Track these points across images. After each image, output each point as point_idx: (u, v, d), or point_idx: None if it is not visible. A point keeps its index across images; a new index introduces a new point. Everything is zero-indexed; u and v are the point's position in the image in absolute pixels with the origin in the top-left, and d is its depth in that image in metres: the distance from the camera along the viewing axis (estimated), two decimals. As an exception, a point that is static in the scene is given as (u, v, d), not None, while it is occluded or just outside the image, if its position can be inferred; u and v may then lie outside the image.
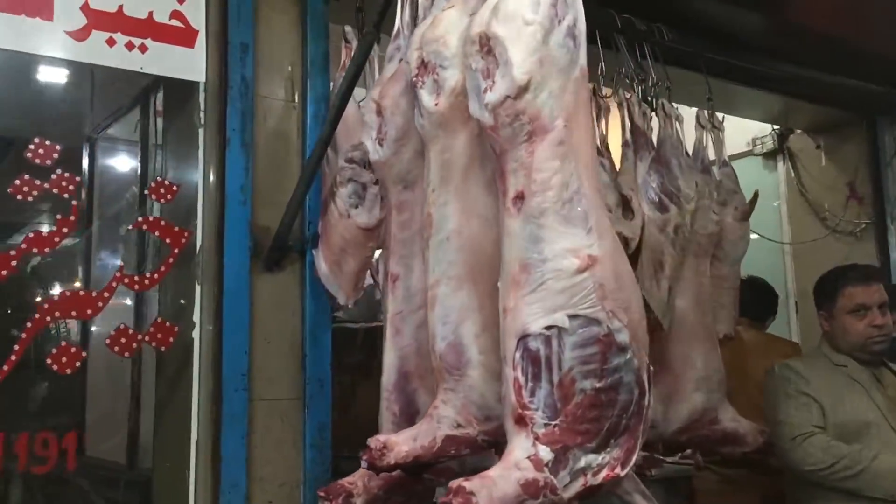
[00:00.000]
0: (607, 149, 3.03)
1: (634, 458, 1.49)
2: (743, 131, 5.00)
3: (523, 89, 1.46)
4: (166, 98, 2.56)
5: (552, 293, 1.40)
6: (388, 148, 1.76)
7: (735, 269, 3.27)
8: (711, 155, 3.32)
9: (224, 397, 2.31)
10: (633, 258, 2.88)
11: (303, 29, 2.58)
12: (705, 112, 3.36)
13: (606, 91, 3.04)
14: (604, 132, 3.04)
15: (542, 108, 1.47)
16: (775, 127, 4.89)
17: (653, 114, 3.18)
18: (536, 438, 1.34)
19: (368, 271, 2.47)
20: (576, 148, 1.48)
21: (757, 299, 3.91)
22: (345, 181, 2.36)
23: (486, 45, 1.47)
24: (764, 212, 4.93)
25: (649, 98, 3.16)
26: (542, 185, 1.45)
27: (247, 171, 2.42)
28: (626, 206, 2.88)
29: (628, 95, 3.06)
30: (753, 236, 4.53)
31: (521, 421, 1.35)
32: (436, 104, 1.56)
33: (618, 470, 1.45)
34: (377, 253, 2.48)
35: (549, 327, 1.40)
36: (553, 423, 1.35)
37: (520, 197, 1.45)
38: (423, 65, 1.56)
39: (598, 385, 1.42)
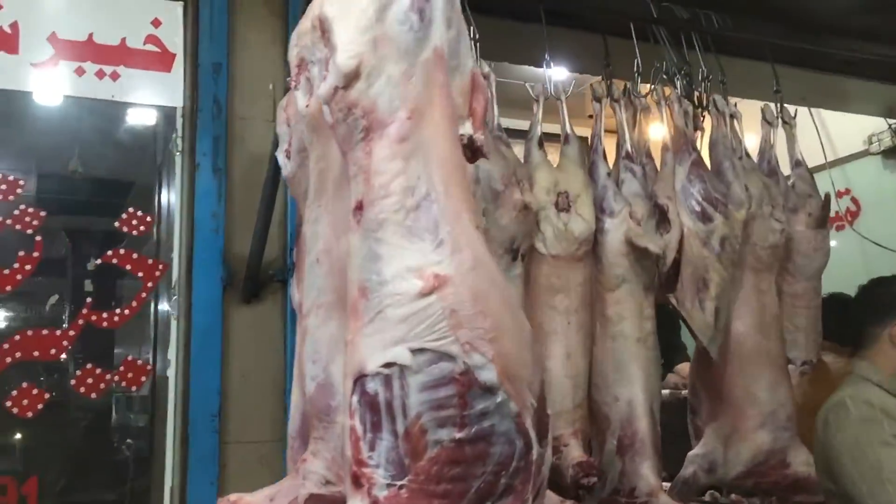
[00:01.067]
0: (648, 154, 2.68)
1: (523, 527, 1.19)
2: (857, 128, 4.42)
3: (352, 76, 1.21)
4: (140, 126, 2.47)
5: (392, 323, 1.12)
6: (293, 161, 1.56)
7: (813, 285, 2.81)
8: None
9: (191, 440, 2.15)
10: (674, 277, 2.52)
11: (284, 46, 2.43)
12: (773, 106, 2.93)
13: (643, 89, 2.69)
14: (639, 135, 2.69)
15: (377, 99, 1.21)
16: (892, 121, 4.29)
17: (705, 112, 2.80)
18: (375, 503, 1.07)
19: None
20: (426, 144, 1.20)
21: (842, 320, 3.36)
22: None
23: (322, 29, 1.23)
24: (884, 217, 4.34)
25: (699, 94, 2.78)
26: (380, 192, 1.18)
27: (219, 197, 2.27)
28: (662, 218, 2.52)
29: (668, 93, 2.70)
30: (871, 246, 3.98)
31: (357, 481, 1.09)
32: (306, 105, 1.34)
33: (497, 544, 1.16)
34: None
35: (388, 365, 1.12)
36: (399, 483, 1.08)
37: (359, 207, 1.19)
38: (300, 63, 1.35)
39: (457, 435, 1.13)
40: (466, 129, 1.38)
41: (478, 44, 2.44)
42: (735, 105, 2.85)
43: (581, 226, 2.39)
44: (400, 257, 1.15)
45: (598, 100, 2.62)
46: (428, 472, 1.09)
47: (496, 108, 2.47)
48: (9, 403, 2.10)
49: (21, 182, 2.18)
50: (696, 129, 2.78)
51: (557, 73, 2.75)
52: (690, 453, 2.62)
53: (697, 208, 2.52)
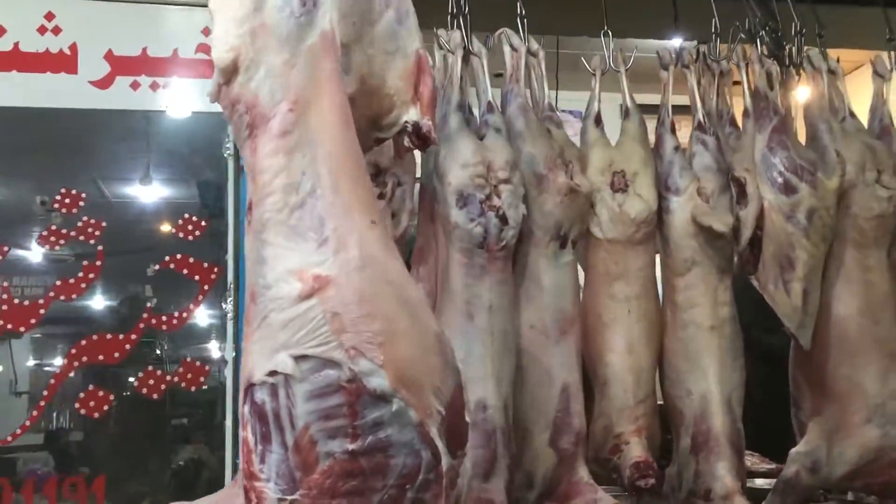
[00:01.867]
0: (733, 123, 2.44)
1: (438, 546, 1.07)
2: None
3: (230, 71, 1.14)
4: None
5: (275, 329, 1.05)
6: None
7: (934, 259, 2.44)
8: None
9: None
10: (755, 257, 2.27)
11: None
12: (885, 56, 2.57)
13: (722, 49, 2.45)
14: (722, 103, 2.45)
15: (258, 92, 1.13)
16: None
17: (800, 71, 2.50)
18: (266, 518, 1.01)
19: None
20: (312, 136, 1.10)
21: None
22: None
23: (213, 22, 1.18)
24: None
25: (790, 50, 2.49)
26: (264, 191, 1.10)
27: (264, 199, 2.29)
28: (741, 192, 2.28)
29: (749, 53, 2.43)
30: None
31: (248, 495, 1.03)
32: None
33: (413, 563, 1.05)
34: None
35: (272, 373, 1.05)
36: (290, 497, 1.01)
37: (249, 208, 1.13)
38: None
39: (350, 447, 1.03)
40: (411, 115, 1.29)
41: (524, 20, 2.32)
42: (837, 60, 2.53)
43: (638, 206, 2.21)
44: (283, 259, 1.08)
45: (665, 67, 2.40)
46: (321, 485, 1.02)
47: (545, 87, 2.33)
48: (77, 405, 2.21)
49: (83, 195, 2.29)
50: (787, 90, 2.50)
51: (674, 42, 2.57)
52: (793, 451, 2.36)
53: (779, 179, 2.25)
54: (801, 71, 2.50)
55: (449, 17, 2.25)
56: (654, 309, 2.24)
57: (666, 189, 2.26)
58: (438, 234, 2.13)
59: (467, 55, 2.24)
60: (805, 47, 2.49)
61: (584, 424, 2.11)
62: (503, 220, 2.05)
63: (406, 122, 1.26)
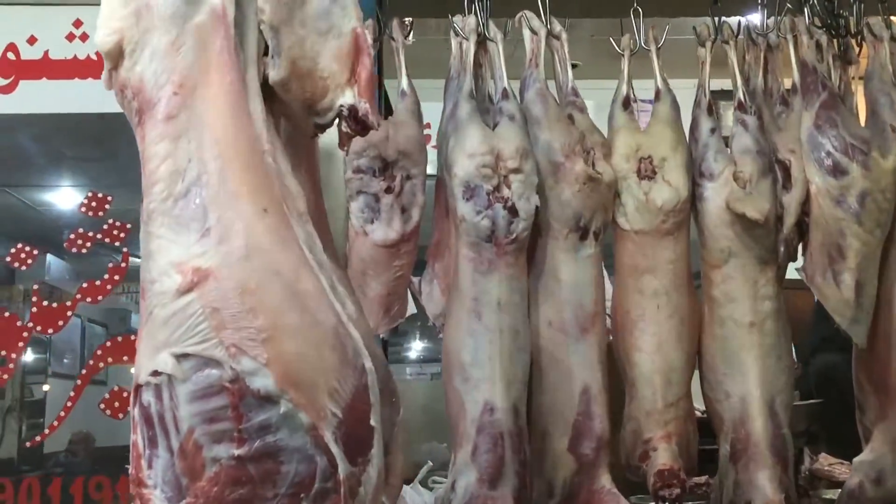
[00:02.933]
0: (784, 101, 2.23)
1: (337, 559, 0.97)
2: None
3: (115, 55, 1.07)
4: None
5: (158, 325, 0.97)
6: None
7: None
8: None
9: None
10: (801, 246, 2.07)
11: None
12: (962, 19, 2.30)
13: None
14: (772, 80, 2.24)
15: (143, 76, 1.06)
16: None
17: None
18: (151, 528, 0.95)
19: (410, 294, 2.12)
20: (199, 120, 1.02)
21: None
22: (354, 194, 2.07)
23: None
24: None
25: (847, 19, 2.26)
26: (150, 179, 1.03)
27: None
28: (786, 175, 2.08)
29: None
30: None
31: (136, 503, 0.97)
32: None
33: (304, 575, 0.96)
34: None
35: (156, 373, 0.98)
36: (177, 505, 0.95)
37: (143, 199, 1.06)
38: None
39: (236, 452, 0.95)
40: (347, 98, 1.21)
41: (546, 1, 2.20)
42: None
43: (665, 194, 2.05)
44: (166, 252, 1.01)
45: (703, 43, 2.23)
46: (208, 493, 0.95)
47: (569, 71, 2.20)
48: (103, 406, 2.23)
49: (109, 198, 2.32)
50: (846, 62, 2.27)
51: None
52: (856, 460, 2.14)
53: (827, 160, 2.04)
54: (861, 41, 2.27)
55: (465, 3, 2.16)
56: (688, 305, 2.07)
57: (700, 175, 2.09)
58: (452, 229, 2.04)
59: (483, 41, 2.14)
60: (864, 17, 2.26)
61: (607, 429, 1.97)
62: (513, 211, 1.94)
63: (342, 105, 1.18)
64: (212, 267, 0.99)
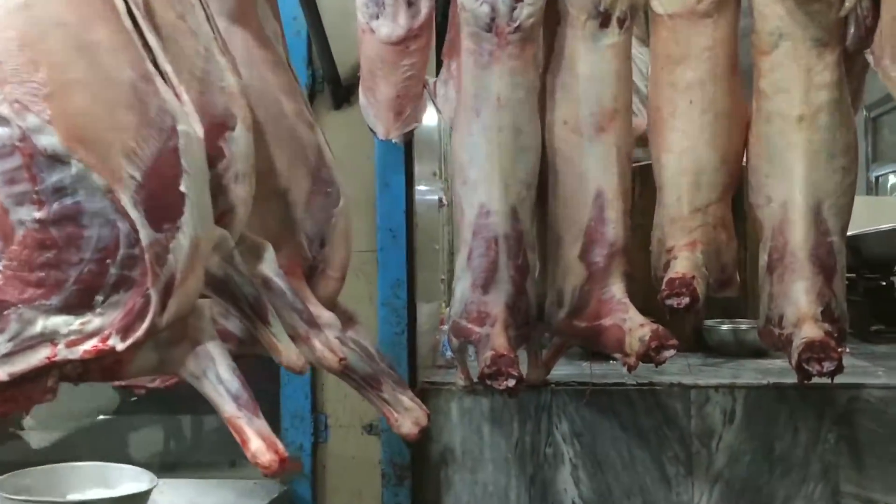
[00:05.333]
0: None
1: (147, 325, 0.92)
2: None
3: None
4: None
5: None
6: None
7: None
8: None
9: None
10: (869, 26, 1.73)
11: None
12: None
13: None
14: None
15: None
16: None
17: None
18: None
19: (427, 95, 2.00)
20: None
21: None
22: (356, -12, 1.93)
23: None
24: None
25: None
26: None
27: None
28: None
29: None
30: None
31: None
32: None
33: (113, 341, 0.91)
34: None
35: None
36: (-7, 268, 0.93)
37: None
38: None
39: (37, 215, 0.90)
40: None
41: None
42: None
43: (702, -36, 1.76)
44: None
45: None
46: (19, 257, 0.93)
47: None
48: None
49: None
50: None
51: None
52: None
53: None
54: None
55: None
56: (728, 100, 1.81)
57: (749, -62, 1.78)
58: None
59: None
60: None
61: (621, 235, 1.81)
62: (516, -4, 1.75)
63: None
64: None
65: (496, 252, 1.76)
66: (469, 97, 1.81)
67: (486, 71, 1.78)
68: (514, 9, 1.75)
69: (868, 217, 3.77)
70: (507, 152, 1.78)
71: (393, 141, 1.97)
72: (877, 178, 6.28)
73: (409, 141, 2.07)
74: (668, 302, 1.69)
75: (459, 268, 1.82)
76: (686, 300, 1.68)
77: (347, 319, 1.56)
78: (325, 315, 1.42)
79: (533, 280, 1.83)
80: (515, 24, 1.76)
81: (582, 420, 2.06)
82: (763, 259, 1.81)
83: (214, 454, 2.41)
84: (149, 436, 2.51)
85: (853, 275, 3.32)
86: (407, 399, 1.58)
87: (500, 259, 1.76)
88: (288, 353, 1.15)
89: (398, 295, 2.13)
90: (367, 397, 1.59)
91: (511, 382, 1.67)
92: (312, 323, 1.31)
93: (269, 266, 1.22)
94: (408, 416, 1.56)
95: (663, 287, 1.72)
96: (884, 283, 3.22)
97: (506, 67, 1.77)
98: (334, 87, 2.19)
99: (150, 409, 2.42)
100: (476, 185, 1.79)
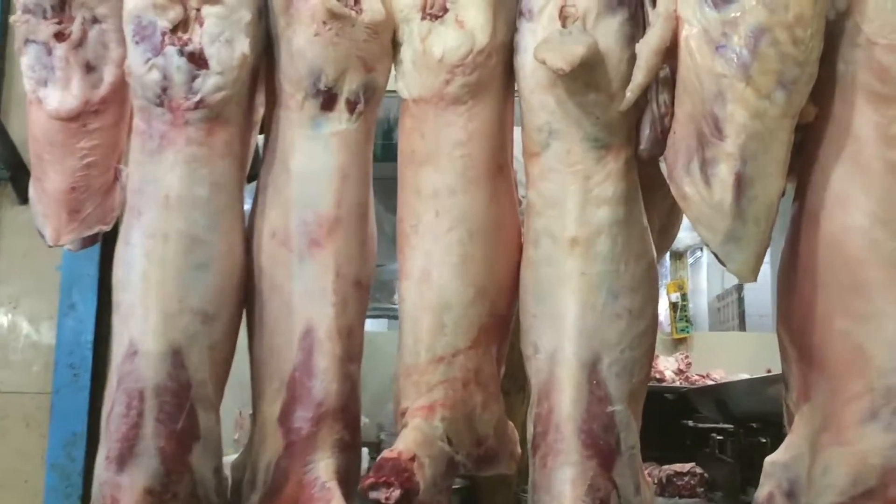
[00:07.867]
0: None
1: None
2: None
3: None
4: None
5: None
6: None
7: None
8: None
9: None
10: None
11: None
12: None
13: None
14: None
15: None
16: None
17: None
18: None
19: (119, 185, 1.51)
20: None
21: None
22: (22, 45, 1.47)
23: None
24: None
25: None
26: None
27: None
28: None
29: None
30: None
31: None
32: None
33: None
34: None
35: None
36: None
37: None
38: None
39: None
40: None
41: None
42: None
43: (451, 40, 1.34)
44: None
45: None
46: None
47: None
48: None
49: None
50: None
51: None
52: (768, 460, 1.38)
53: (707, -20, 1.26)
54: None
55: None
56: (487, 212, 1.36)
57: (520, 14, 1.37)
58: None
59: None
60: None
61: (334, 392, 1.31)
62: (197, 60, 1.30)
63: None
64: None
65: (140, 413, 1.24)
66: (132, 193, 1.33)
67: (153, 158, 1.31)
68: (194, 77, 1.30)
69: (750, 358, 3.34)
70: (171, 269, 1.28)
71: (66, 248, 1.48)
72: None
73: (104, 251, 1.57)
74: (373, 495, 1.17)
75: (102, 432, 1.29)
76: (396, 493, 1.17)
77: None
78: None
79: (207, 453, 1.31)
80: (195, 99, 1.30)
81: None
82: (529, 431, 1.33)
83: None
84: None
85: (721, 434, 2.91)
86: None
87: (145, 423, 1.24)
88: None
89: (72, 455, 1.58)
90: None
91: None
92: None
93: None
94: None
95: (370, 473, 1.20)
96: (763, 441, 2.75)
97: (181, 156, 1.30)
98: (19, 176, 1.70)
99: None
100: (127, 315, 1.28)
